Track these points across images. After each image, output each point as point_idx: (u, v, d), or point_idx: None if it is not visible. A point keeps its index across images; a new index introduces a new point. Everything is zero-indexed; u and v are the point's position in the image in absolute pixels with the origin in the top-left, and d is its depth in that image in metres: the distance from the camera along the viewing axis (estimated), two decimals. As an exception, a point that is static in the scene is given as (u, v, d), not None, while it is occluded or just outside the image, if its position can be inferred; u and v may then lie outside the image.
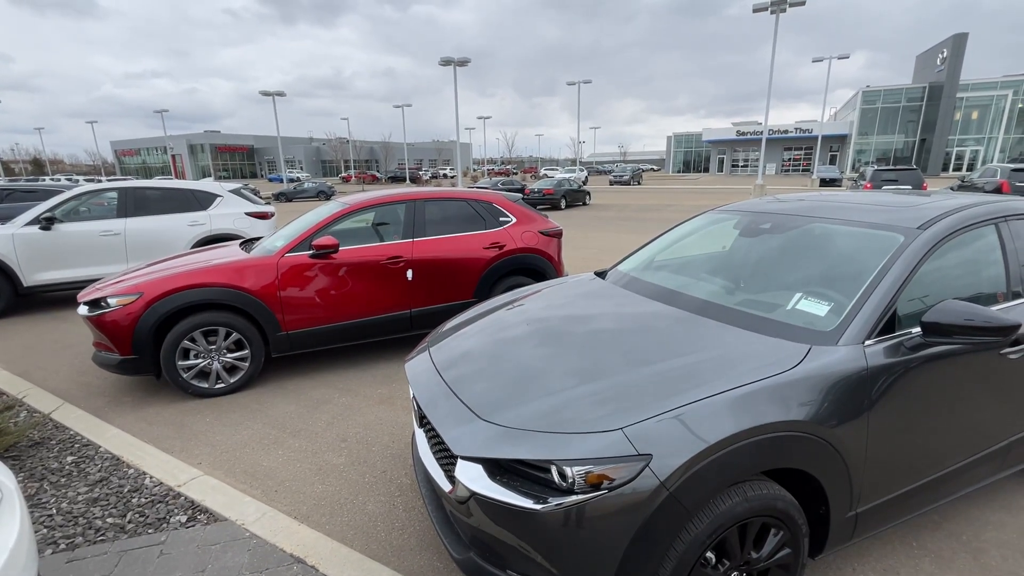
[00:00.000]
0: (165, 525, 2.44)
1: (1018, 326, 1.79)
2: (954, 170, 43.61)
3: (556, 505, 1.49)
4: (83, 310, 3.76)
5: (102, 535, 2.37)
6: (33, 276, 6.36)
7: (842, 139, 52.02)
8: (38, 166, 76.92)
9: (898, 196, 2.69)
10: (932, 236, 2.06)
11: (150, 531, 2.40)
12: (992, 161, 40.94)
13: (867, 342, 1.82)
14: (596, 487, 1.47)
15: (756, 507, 1.62)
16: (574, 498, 1.48)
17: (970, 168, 42.41)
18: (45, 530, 2.41)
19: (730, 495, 1.59)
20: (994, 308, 2.15)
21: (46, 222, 6.36)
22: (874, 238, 2.19)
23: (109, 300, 3.69)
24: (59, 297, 7.21)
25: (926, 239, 2.05)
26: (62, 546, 2.30)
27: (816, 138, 46.20)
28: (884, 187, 15.53)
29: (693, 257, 3.00)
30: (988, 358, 2.05)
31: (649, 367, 1.80)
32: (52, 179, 34.26)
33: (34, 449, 3.14)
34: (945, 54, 42.32)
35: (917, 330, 1.89)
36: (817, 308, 2.01)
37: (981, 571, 2.14)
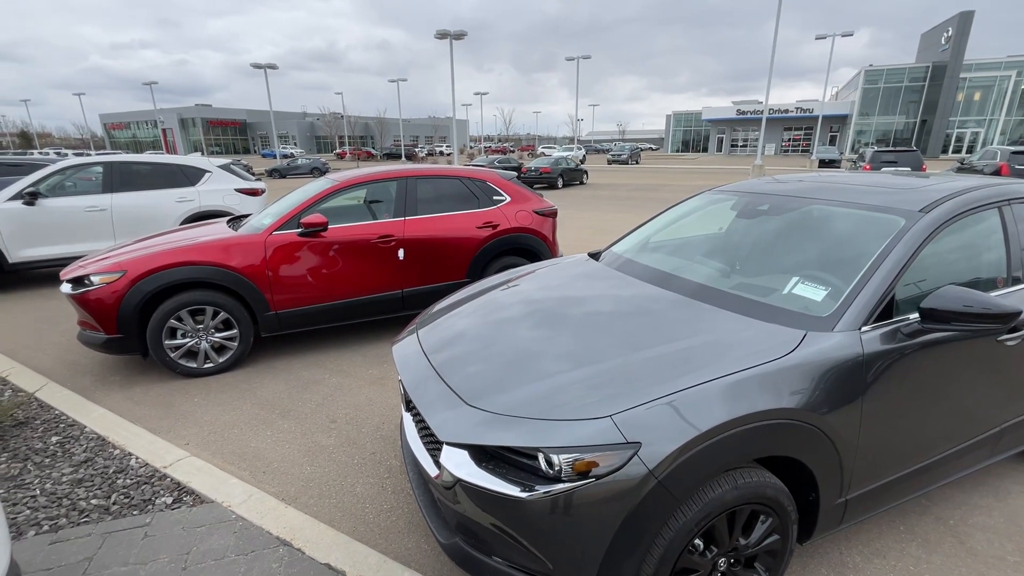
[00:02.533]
0: (150, 507, 2.41)
1: (1018, 313, 1.74)
2: (954, 152, 43.32)
3: (543, 493, 1.46)
4: (66, 288, 3.68)
5: (86, 517, 2.35)
6: (18, 253, 6.23)
7: (843, 119, 51.48)
8: (26, 139, 75.40)
9: (899, 178, 2.62)
10: (934, 219, 2.00)
11: (135, 513, 2.37)
12: (992, 143, 40.65)
13: (864, 328, 1.78)
14: (584, 475, 1.44)
15: (746, 495, 1.60)
16: (561, 486, 1.45)
17: (970, 150, 42.15)
18: (28, 511, 2.38)
19: (720, 483, 1.56)
20: (994, 294, 2.11)
21: (30, 197, 6.21)
22: (874, 221, 2.13)
23: (92, 278, 3.61)
24: (45, 274, 7.09)
25: (928, 222, 1.99)
26: (45, 527, 2.28)
27: (817, 118, 45.68)
28: (883, 168, 15.41)
29: (689, 239, 2.93)
30: (985, 344, 2.02)
31: (641, 352, 1.76)
32: (41, 153, 33.58)
33: (18, 429, 3.10)
34: (950, 33, 41.60)
35: (915, 316, 1.85)
36: (814, 292, 1.96)
37: (967, 555, 2.15)
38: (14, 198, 6.21)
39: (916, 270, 1.94)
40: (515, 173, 5.33)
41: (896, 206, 2.14)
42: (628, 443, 1.44)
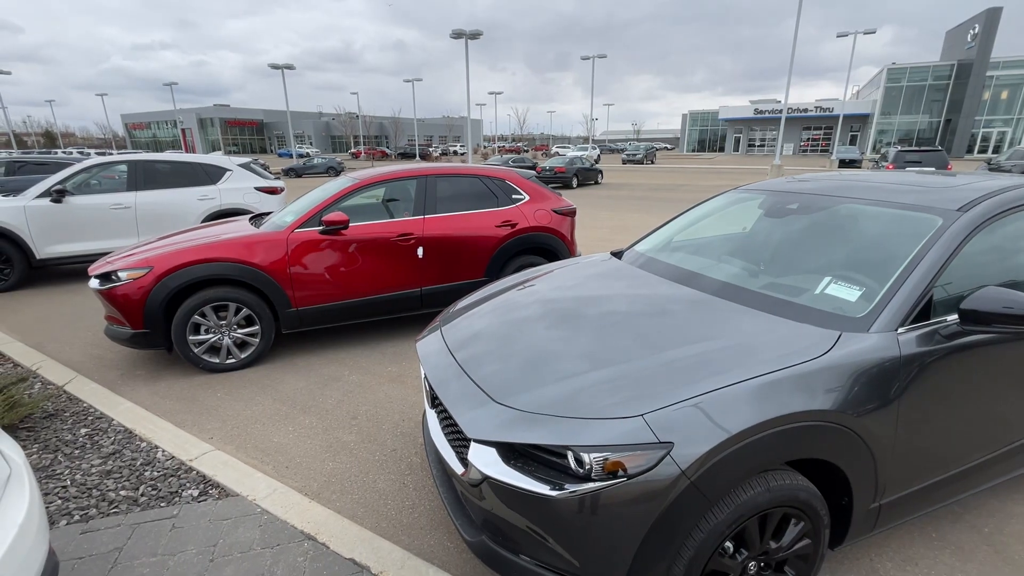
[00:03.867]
0: (177, 499, 2.45)
1: (1063, 315, 1.69)
2: (979, 152, 42.28)
3: (572, 492, 1.45)
4: (94, 283, 3.76)
5: (115, 507, 2.39)
6: (45, 249, 6.39)
7: (864, 119, 50.54)
8: (50, 139, 77.33)
9: (932, 176, 2.56)
10: (973, 219, 1.94)
11: (162, 505, 2.41)
12: (1020, 143, 39.54)
13: (900, 329, 1.74)
14: (614, 475, 1.43)
15: (778, 497, 1.57)
16: (591, 485, 1.43)
17: (996, 150, 41.09)
18: (60, 501, 2.43)
19: (752, 485, 1.54)
20: (1035, 296, 2.04)
21: (57, 195, 6.35)
22: (910, 220, 2.08)
23: (119, 274, 3.68)
24: (72, 270, 7.26)
25: (966, 222, 1.93)
26: (76, 517, 2.32)
27: (837, 117, 45.02)
28: (907, 168, 15.09)
29: (714, 238, 2.89)
30: (1025, 348, 1.95)
31: (670, 352, 1.73)
32: (64, 152, 34.38)
33: (48, 421, 3.17)
34: (976, 30, 40.60)
35: (953, 317, 1.80)
36: (848, 293, 1.92)
37: (1004, 564, 2.08)
38: (42, 196, 6.36)
39: (954, 270, 1.89)
40: (532, 172, 5.31)
41: (932, 205, 2.08)
42: (660, 443, 1.42)
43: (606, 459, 1.43)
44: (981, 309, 1.71)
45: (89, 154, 24.92)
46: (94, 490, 2.51)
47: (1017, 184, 2.21)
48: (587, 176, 22.08)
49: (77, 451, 2.85)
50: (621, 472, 1.42)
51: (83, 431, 3.05)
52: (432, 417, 2.11)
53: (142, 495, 2.48)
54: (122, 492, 2.50)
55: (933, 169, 14.77)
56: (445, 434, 1.95)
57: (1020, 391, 2.01)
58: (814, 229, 2.42)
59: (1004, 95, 41.99)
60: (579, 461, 1.46)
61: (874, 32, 31.94)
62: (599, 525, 1.46)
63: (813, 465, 1.73)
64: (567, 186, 20.69)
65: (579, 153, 32.03)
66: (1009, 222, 2.07)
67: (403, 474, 2.68)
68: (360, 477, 2.66)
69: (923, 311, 1.78)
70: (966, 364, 1.82)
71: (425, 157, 51.24)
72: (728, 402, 1.49)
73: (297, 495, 2.49)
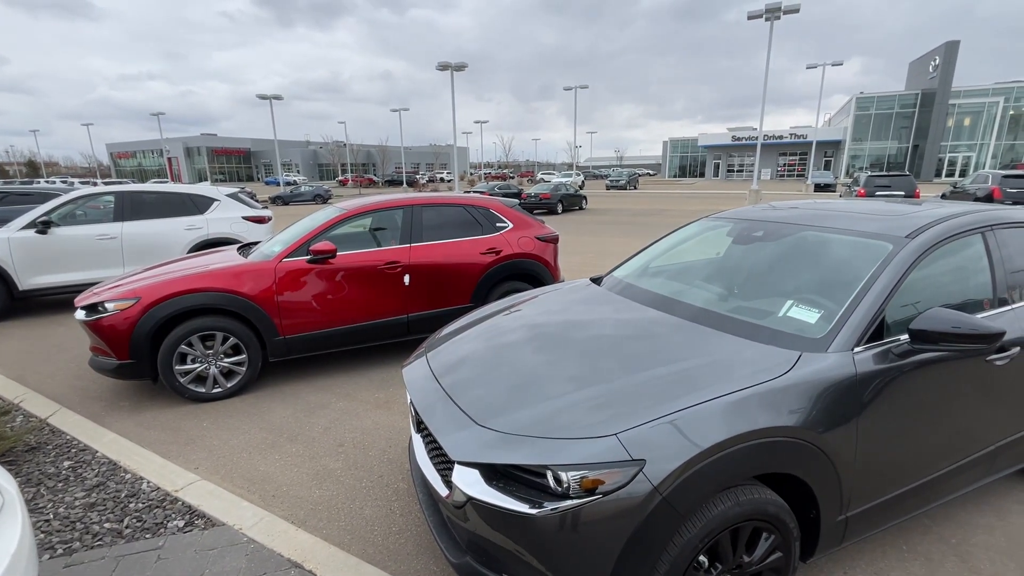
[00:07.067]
0: (162, 530, 2.45)
1: (1003, 334, 1.83)
2: (947, 176, 44.06)
3: (551, 510, 1.52)
4: (80, 314, 3.77)
5: (99, 540, 2.38)
6: (29, 280, 6.34)
7: (836, 145, 52.45)
8: (33, 168, 76.66)
9: (889, 205, 2.74)
10: (920, 245, 2.11)
11: (147, 536, 2.41)
12: (984, 167, 41.34)
13: (856, 349, 1.86)
14: (591, 492, 1.50)
15: (748, 511, 1.65)
16: (569, 503, 1.51)
17: (962, 174, 42.86)
18: (43, 535, 2.41)
19: (722, 499, 1.62)
20: (980, 315, 2.19)
21: (42, 226, 6.35)
22: (864, 246, 2.24)
23: (106, 304, 3.70)
24: (55, 301, 7.19)
25: (914, 248, 2.09)
26: (60, 551, 2.31)
27: (811, 144, 46.62)
28: (877, 193, 15.67)
29: (687, 264, 3.04)
30: (975, 364, 2.09)
31: (643, 373, 1.83)
32: (47, 182, 34.11)
33: (31, 454, 3.14)
34: (937, 61, 42.85)
35: (905, 337, 1.93)
36: (808, 315, 2.05)
37: (970, 573, 2.18)
38: (27, 227, 6.35)
39: (906, 293, 2.04)
40: (516, 200, 5.48)
41: (884, 232, 2.24)
42: (633, 460, 1.51)
43: (583, 477, 1.51)
44: (929, 329, 1.85)
45: (73, 183, 24.77)
46: (78, 523, 2.50)
47: (963, 212, 2.39)
48: (572, 202, 22.49)
49: (60, 484, 2.83)
50: (597, 489, 1.50)
51: (66, 464, 3.03)
52: (418, 442, 2.17)
53: (127, 527, 2.47)
54: (106, 524, 2.49)
55: (903, 194, 15.38)
56: (431, 458, 2.01)
57: (972, 406, 2.14)
58: (778, 255, 2.57)
59: (967, 121, 44.08)
60: (557, 480, 1.54)
61: (841, 64, 33.56)
62: (577, 542, 1.53)
63: (781, 479, 1.82)
64: (552, 212, 21.04)
65: (564, 180, 32.67)
66: (956, 248, 2.24)
67: (390, 500, 2.71)
68: (347, 504, 2.68)
69: (877, 331, 1.92)
70: (919, 381, 1.95)
71: (412, 184, 51.70)
72: (697, 420, 1.59)
73: (284, 523, 2.50)
